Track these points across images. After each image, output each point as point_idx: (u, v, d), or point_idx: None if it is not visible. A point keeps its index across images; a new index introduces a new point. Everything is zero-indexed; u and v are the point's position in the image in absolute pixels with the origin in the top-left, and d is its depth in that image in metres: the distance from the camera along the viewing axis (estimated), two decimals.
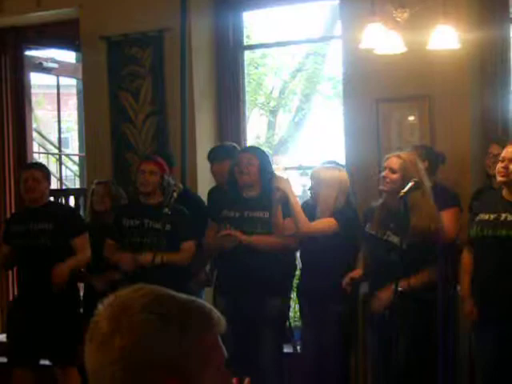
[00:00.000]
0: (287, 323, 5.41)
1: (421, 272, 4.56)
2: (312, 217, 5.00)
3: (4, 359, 5.68)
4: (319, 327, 4.97)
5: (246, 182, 5.07)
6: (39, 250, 5.27)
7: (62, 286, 5.19)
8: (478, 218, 4.51)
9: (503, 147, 4.62)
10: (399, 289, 4.33)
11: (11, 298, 7.21)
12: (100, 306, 1.37)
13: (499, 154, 4.60)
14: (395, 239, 4.57)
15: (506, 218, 4.38)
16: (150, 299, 1.35)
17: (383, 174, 4.70)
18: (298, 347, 5.53)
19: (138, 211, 5.24)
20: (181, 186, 5.31)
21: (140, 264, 5.03)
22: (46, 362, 5.50)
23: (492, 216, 4.44)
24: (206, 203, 5.83)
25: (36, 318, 5.25)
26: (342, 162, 5.92)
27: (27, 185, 5.35)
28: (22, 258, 5.41)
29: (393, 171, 4.66)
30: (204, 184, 6.40)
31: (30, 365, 5.35)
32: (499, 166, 4.50)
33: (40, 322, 5.22)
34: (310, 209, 5.07)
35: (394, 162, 4.69)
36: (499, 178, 4.51)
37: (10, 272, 7.15)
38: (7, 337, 5.57)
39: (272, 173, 5.18)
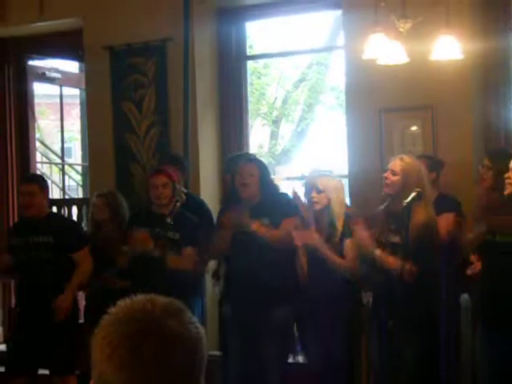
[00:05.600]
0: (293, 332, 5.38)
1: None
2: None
3: (2, 369, 5.67)
4: (324, 336, 4.95)
5: (247, 195, 5.05)
6: (40, 262, 5.27)
7: (65, 314, 5.20)
8: None
9: (494, 161, 4.69)
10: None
11: (12, 305, 7.21)
12: None
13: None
14: (396, 238, 4.56)
15: None
16: None
17: (384, 175, 4.71)
18: (301, 357, 5.50)
19: (149, 220, 5.21)
20: (183, 195, 5.30)
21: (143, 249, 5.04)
22: (44, 372, 5.48)
23: None
24: (209, 208, 5.80)
25: (35, 327, 5.24)
26: (339, 171, 5.95)
27: (23, 200, 5.37)
28: (22, 271, 5.42)
29: (394, 173, 4.65)
30: (207, 193, 6.40)
31: (29, 374, 5.33)
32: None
33: (39, 331, 5.22)
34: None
35: (396, 164, 4.68)
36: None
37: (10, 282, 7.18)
38: (7, 347, 5.56)
39: (272, 181, 5.17)
